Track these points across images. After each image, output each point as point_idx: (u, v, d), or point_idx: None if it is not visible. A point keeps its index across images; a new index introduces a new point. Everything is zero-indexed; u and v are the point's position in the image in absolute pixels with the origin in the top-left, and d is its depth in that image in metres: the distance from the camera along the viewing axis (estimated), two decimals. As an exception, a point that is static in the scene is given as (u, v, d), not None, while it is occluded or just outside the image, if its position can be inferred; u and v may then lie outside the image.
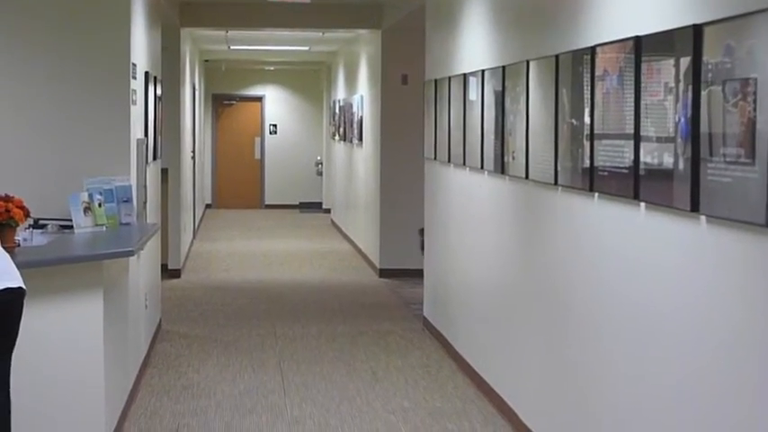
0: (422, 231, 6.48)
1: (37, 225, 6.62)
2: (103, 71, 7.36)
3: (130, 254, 6.26)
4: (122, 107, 7.40)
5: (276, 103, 24.04)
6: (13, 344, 4.92)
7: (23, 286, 4.91)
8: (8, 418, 4.95)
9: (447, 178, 9.05)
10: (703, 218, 4.00)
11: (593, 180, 5.14)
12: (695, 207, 4.01)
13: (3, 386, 4.89)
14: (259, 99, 24.11)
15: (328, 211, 21.13)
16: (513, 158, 6.70)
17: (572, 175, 5.48)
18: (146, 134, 8.39)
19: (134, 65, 7.63)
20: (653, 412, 4.51)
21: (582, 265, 5.44)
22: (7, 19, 7.20)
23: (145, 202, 8.09)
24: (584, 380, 5.42)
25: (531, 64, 6.26)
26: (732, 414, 3.83)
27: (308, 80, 23.92)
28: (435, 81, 9.37)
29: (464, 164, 8.17)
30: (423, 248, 6.41)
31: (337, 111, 19.22)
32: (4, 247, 5.11)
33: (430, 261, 9.87)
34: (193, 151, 17.00)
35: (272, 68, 23.69)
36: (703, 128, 3.92)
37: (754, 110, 3.54)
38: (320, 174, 22.74)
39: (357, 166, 15.97)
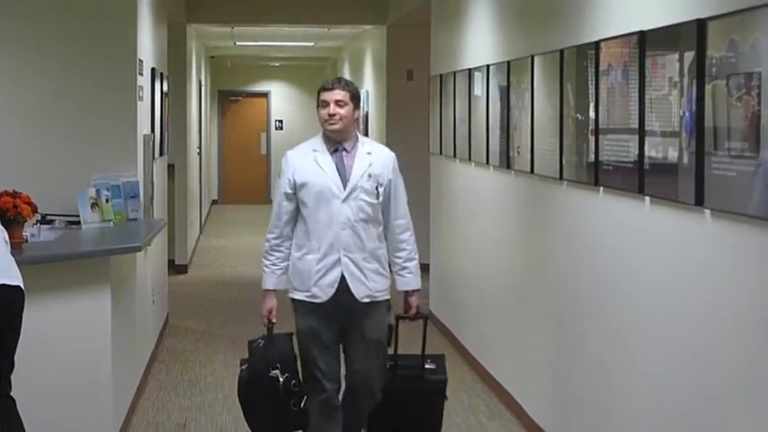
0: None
1: (44, 221, 6.64)
2: (110, 67, 7.37)
3: (138, 249, 6.29)
4: (129, 103, 7.42)
5: (282, 99, 24.06)
6: (13, 345, 4.80)
7: (21, 285, 4.80)
8: (17, 416, 4.89)
9: (452, 173, 9.06)
10: (708, 211, 4.01)
11: (597, 174, 5.16)
12: (700, 201, 4.03)
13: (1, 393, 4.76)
14: (265, 95, 24.13)
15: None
16: (519, 153, 6.71)
17: (577, 169, 5.50)
18: (152, 130, 8.41)
19: (140, 61, 7.65)
20: (658, 404, 4.53)
21: (587, 258, 5.46)
22: (15, 16, 7.22)
23: (152, 198, 8.11)
24: (590, 373, 5.44)
25: (536, 59, 6.27)
26: (732, 404, 3.84)
27: (314, 76, 23.90)
28: (441, 76, 9.39)
29: (469, 159, 8.18)
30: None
31: (343, 106, 19.20)
32: (12, 244, 5.12)
33: (436, 255, 9.89)
34: (200, 147, 17.03)
35: (277, 64, 23.70)
36: (708, 122, 3.94)
37: (759, 104, 3.56)
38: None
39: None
